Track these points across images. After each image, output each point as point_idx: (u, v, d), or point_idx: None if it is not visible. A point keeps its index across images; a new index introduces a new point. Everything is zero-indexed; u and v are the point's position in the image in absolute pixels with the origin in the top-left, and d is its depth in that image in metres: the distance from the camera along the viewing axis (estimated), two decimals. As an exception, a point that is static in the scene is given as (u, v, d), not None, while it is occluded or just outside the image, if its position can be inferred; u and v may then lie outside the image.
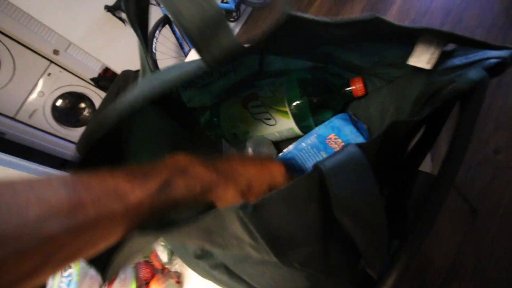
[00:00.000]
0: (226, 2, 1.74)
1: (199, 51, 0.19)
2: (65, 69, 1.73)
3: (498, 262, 0.80)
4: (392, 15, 1.41)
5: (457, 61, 0.25)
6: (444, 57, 0.27)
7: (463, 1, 1.25)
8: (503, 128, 0.94)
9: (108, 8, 1.48)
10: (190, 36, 0.18)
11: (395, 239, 0.29)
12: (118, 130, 0.28)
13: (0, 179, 0.16)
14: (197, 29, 0.18)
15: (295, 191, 0.18)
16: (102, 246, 0.19)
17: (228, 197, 0.25)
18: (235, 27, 2.01)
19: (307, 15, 0.21)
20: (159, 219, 0.21)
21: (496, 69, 0.25)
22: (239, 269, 0.29)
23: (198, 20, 0.18)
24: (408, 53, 0.27)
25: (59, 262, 0.17)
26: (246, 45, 0.20)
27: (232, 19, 1.89)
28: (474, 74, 0.22)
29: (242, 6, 1.92)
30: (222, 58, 0.19)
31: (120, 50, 1.62)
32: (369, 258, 0.20)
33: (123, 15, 1.55)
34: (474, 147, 0.95)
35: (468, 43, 0.25)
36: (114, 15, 1.51)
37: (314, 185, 0.18)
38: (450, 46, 0.28)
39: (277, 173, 0.28)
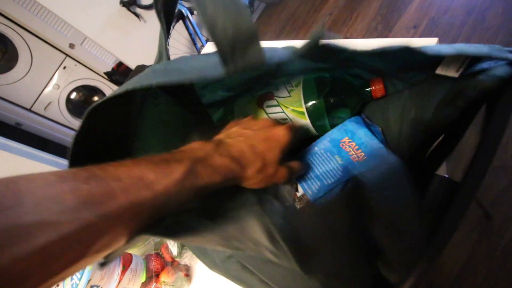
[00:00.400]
0: (240, -2, 1.73)
1: (224, 61, 0.19)
2: (80, 62, 1.76)
3: (509, 270, 0.78)
4: (411, 13, 1.37)
5: (485, 65, 0.25)
6: (473, 61, 0.26)
7: (486, 0, 1.20)
8: (522, 133, 0.91)
9: (124, 3, 1.50)
10: (220, 47, 0.18)
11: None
12: (126, 113, 0.29)
13: (31, 173, 0.17)
14: (227, 41, 0.18)
15: (333, 205, 0.18)
16: (133, 235, 0.19)
17: (248, 179, 0.27)
18: (248, 23, 2.00)
19: (337, 45, 0.20)
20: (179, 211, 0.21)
21: None
22: (251, 263, 0.30)
23: (230, 33, 0.18)
24: (436, 58, 0.26)
25: (98, 250, 0.17)
26: (271, 62, 0.20)
27: (245, 15, 1.89)
28: (501, 71, 0.21)
29: (256, 2, 1.91)
30: (244, 70, 0.20)
31: (134, 45, 1.65)
32: (396, 267, 0.20)
33: (138, 10, 1.56)
34: (491, 152, 0.93)
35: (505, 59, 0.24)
36: (129, 10, 1.53)
37: (353, 198, 0.17)
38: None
39: (283, 137, 0.29)
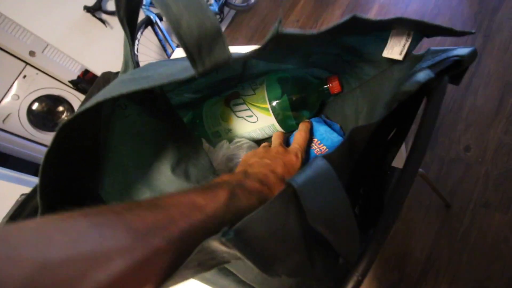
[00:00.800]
0: (210, 5, 1.74)
1: (192, 61, 0.19)
2: (41, 71, 1.67)
3: (470, 253, 0.85)
4: (370, 20, 1.46)
5: (424, 64, 0.28)
6: (415, 61, 0.29)
7: (435, 7, 1.32)
8: (472, 127, 1.01)
9: (88, 9, 1.45)
10: (186, 46, 0.19)
11: (371, 228, 0.31)
12: (94, 126, 0.28)
13: (99, 205, 0.17)
14: (193, 40, 0.18)
15: (272, 209, 0.19)
16: (186, 258, 0.19)
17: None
18: (219, 30, 2.01)
19: (295, 32, 0.22)
20: None
21: (457, 68, 0.27)
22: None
23: (195, 32, 0.18)
24: (383, 49, 0.29)
25: (161, 274, 0.18)
26: (236, 57, 0.21)
27: (215, 22, 1.90)
28: (420, 76, 0.24)
29: (226, 9, 1.94)
30: (212, 69, 0.20)
31: (101, 52, 1.59)
32: (344, 256, 0.21)
33: (104, 16, 1.52)
34: (447, 145, 1.01)
35: (434, 30, 0.27)
36: (94, 16, 1.48)
37: (289, 201, 0.19)
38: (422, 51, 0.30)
39: (296, 163, 0.33)
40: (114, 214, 0.17)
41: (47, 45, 1.58)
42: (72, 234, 0.15)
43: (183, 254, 0.18)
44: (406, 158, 0.24)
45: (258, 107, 0.39)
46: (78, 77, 1.72)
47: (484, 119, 1.00)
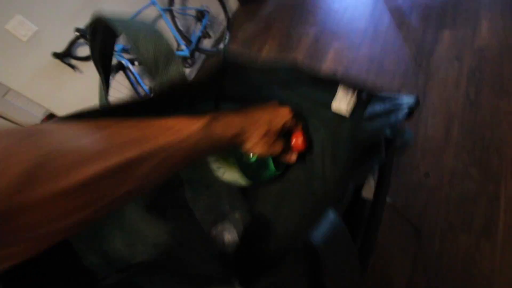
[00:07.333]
0: (181, 50, 1.83)
1: (151, 77, 0.23)
2: (1, 116, 1.58)
3: (444, 276, 0.87)
4: (328, 62, 1.63)
5: (377, 108, 0.31)
6: (362, 104, 0.33)
7: (382, 51, 1.51)
8: (428, 154, 1.11)
9: (57, 55, 1.44)
10: (146, 64, 0.23)
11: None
12: None
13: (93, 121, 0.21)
14: (151, 59, 0.23)
15: (289, 269, 0.21)
16: (168, 174, 0.23)
17: (252, 140, 0.32)
18: (190, 73, 2.10)
19: (239, 61, 0.27)
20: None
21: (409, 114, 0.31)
22: None
23: (152, 52, 0.23)
24: (333, 97, 0.33)
25: (137, 181, 0.21)
26: (194, 80, 0.25)
27: (187, 65, 1.98)
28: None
29: (197, 54, 2.04)
30: (169, 86, 0.24)
31: (68, 96, 1.56)
32: None
33: (73, 61, 1.52)
34: (408, 173, 1.09)
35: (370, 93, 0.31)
36: (63, 61, 1.48)
37: (306, 258, 0.21)
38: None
39: (287, 116, 0.36)
40: (99, 128, 0.20)
41: (9, 90, 1.52)
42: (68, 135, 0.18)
43: (156, 168, 0.22)
44: (375, 190, 0.27)
45: (226, 160, 0.40)
46: (42, 121, 1.64)
47: (436, 147, 1.11)
